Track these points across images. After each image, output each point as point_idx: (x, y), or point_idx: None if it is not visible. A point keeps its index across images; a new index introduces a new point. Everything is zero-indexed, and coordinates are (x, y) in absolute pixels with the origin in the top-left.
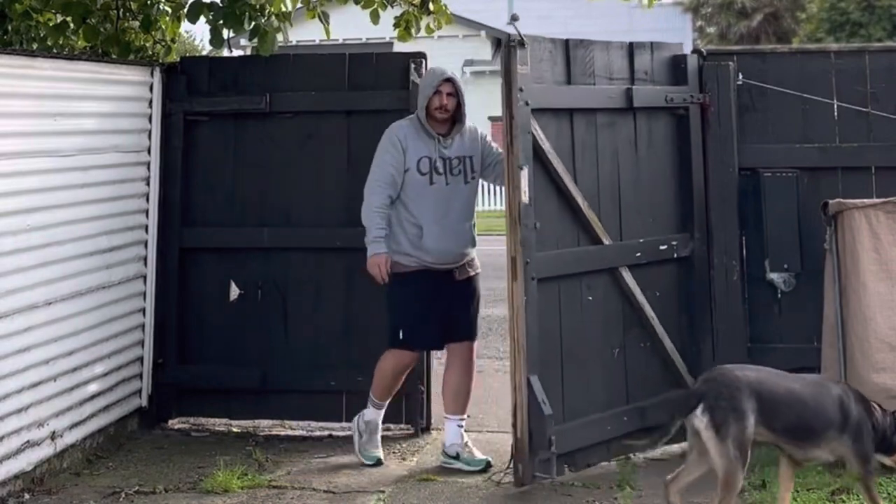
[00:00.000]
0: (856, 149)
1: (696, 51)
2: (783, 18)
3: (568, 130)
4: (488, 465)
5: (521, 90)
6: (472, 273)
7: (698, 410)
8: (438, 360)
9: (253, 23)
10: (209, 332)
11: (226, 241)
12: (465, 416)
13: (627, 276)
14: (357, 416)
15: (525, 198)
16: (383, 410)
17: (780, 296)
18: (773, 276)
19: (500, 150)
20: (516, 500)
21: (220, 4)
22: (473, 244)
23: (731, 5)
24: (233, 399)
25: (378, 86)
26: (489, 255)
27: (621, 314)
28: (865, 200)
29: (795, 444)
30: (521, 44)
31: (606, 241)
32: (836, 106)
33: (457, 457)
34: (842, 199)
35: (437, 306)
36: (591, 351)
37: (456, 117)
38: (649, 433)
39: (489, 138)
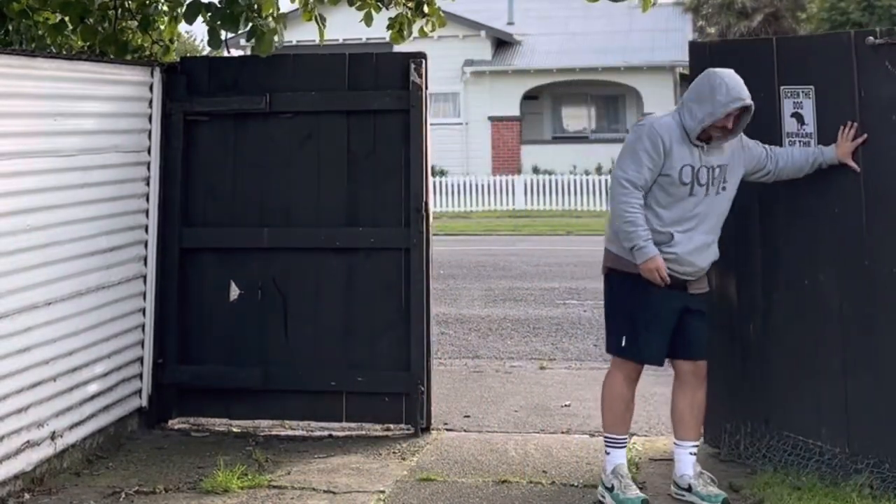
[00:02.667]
0: None
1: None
2: (784, 18)
3: None
4: (725, 502)
5: None
6: (707, 289)
7: None
8: (439, 360)
9: (250, 24)
10: (209, 333)
11: (226, 240)
12: (698, 443)
13: None
14: (602, 473)
15: None
16: (625, 448)
17: None
18: None
19: (766, 146)
20: (519, 501)
21: (219, 5)
22: (716, 258)
23: (731, 5)
24: (232, 399)
25: (378, 86)
26: (490, 255)
27: None
28: None
29: None
30: None
31: None
32: None
33: (689, 489)
34: None
35: (669, 317)
36: None
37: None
38: None
39: (747, 140)
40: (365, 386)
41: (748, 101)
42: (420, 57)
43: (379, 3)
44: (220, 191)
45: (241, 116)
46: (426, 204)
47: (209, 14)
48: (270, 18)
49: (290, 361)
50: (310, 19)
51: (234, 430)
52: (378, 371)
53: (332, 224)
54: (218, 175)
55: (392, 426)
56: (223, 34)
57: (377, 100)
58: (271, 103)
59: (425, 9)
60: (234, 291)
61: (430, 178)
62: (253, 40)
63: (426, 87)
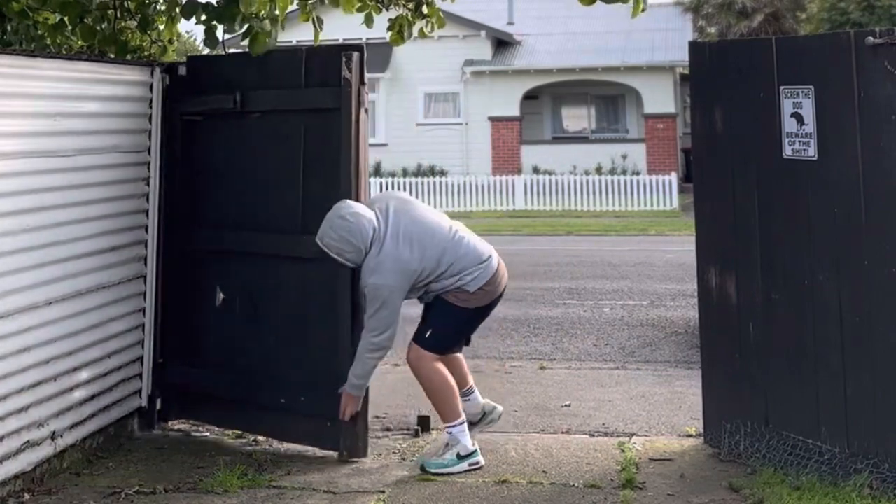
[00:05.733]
0: None
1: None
2: (784, 18)
3: None
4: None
5: None
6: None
7: None
8: None
9: (246, 24)
10: (202, 334)
11: (222, 243)
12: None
13: None
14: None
15: None
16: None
17: None
18: None
19: None
20: (518, 501)
21: (216, 4)
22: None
23: (731, 5)
24: (217, 404)
25: (308, 83)
26: None
27: None
28: None
29: None
30: None
31: None
32: None
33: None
34: None
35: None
36: None
37: None
38: None
39: None
40: (306, 408)
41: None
42: (353, 49)
43: (379, 5)
44: (216, 192)
45: (222, 116)
46: None
47: (205, 14)
48: (267, 21)
49: (249, 372)
50: (307, 20)
51: (235, 429)
52: (317, 390)
53: (282, 231)
54: (212, 176)
55: (392, 426)
56: (220, 34)
57: (307, 98)
58: (242, 103)
59: (425, 10)
60: (220, 296)
61: (365, 181)
62: (247, 41)
63: (360, 83)
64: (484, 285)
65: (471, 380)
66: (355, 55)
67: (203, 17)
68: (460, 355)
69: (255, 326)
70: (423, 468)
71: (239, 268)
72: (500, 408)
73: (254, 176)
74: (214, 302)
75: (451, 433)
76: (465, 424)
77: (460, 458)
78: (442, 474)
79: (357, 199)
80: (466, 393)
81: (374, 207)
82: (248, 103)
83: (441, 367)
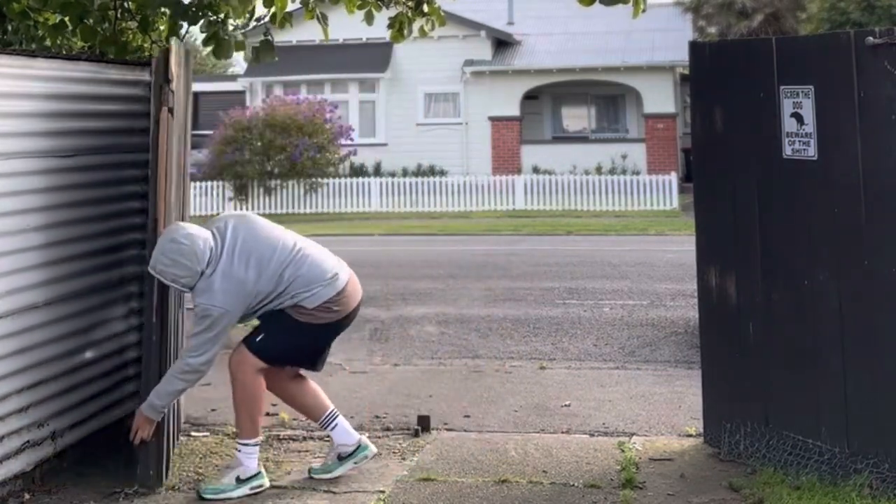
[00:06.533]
0: None
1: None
2: (784, 18)
3: None
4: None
5: None
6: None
7: None
8: (439, 360)
9: (213, 29)
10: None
11: None
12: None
13: None
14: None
15: None
16: None
17: None
18: None
19: None
20: (519, 501)
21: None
22: None
23: (731, 5)
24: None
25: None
26: (490, 255)
27: None
28: None
29: None
30: None
31: None
32: None
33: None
34: None
35: None
36: None
37: None
38: None
39: None
40: None
41: (149, 267)
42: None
43: (379, 3)
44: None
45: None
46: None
47: (168, 5)
48: (238, 32)
49: None
50: (312, 18)
51: (235, 429)
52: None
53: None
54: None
55: (392, 426)
56: (183, 31)
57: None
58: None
59: (425, 8)
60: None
61: (173, 183)
62: (212, 44)
63: (165, 81)
64: (325, 303)
65: (331, 405)
66: (159, 53)
67: (164, 14)
68: (314, 384)
69: None
70: (199, 495)
71: None
72: (374, 448)
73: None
74: None
75: (239, 450)
76: (258, 447)
77: (240, 481)
78: (219, 500)
79: (164, 203)
80: (330, 418)
81: (211, 227)
82: None
83: (261, 380)
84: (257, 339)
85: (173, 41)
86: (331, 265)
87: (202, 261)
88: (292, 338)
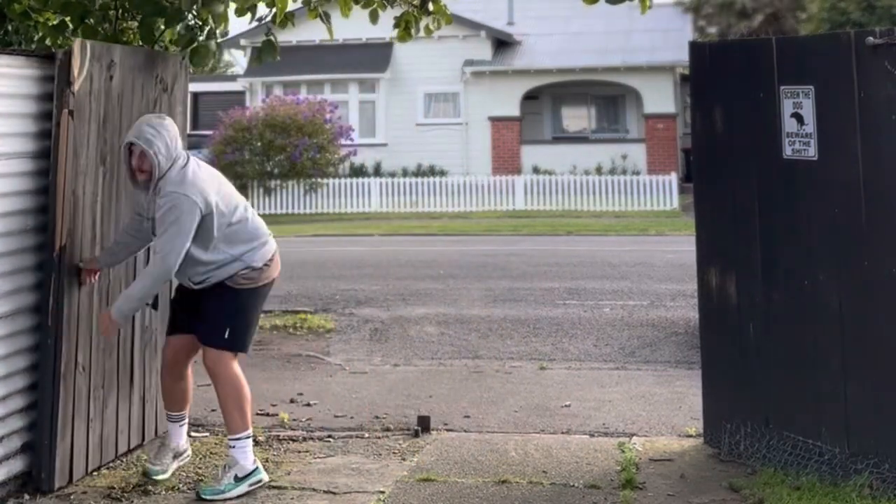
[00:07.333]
0: None
1: None
2: (784, 19)
3: None
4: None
5: None
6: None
7: None
8: (439, 360)
9: (188, 35)
10: None
11: None
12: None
13: None
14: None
15: None
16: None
17: None
18: None
19: None
20: (519, 501)
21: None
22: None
23: (731, 6)
24: None
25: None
26: (490, 255)
27: None
28: None
29: None
30: None
31: None
32: None
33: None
34: None
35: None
36: None
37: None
38: None
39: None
40: None
41: (130, 139)
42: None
43: (385, 2)
44: None
45: None
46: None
47: (147, 5)
48: (214, 42)
49: None
50: (315, 17)
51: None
52: None
53: None
54: None
55: (392, 426)
56: (158, 32)
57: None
58: None
59: (430, 6)
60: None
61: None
62: (189, 52)
63: (66, 83)
64: (269, 260)
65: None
66: (60, 54)
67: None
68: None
69: None
70: (198, 496)
71: None
72: (189, 451)
73: None
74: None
75: (233, 447)
76: (251, 440)
77: (238, 479)
78: (218, 500)
79: (62, 213)
80: (183, 416)
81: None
82: None
83: (239, 370)
84: (225, 336)
85: (77, 40)
86: (266, 228)
87: (177, 146)
88: (247, 311)
